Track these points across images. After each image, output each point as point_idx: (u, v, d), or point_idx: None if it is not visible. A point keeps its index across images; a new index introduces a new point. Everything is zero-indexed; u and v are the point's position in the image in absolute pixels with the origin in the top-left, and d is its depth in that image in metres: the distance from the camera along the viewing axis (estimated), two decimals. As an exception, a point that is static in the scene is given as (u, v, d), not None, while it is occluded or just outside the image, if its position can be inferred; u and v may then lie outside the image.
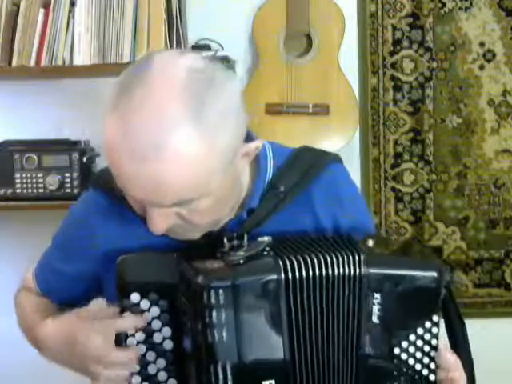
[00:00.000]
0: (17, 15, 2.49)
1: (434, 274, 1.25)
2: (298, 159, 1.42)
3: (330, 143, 2.63)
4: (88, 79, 2.67)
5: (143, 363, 1.27)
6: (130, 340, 1.26)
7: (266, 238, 1.26)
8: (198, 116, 1.12)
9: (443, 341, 1.30)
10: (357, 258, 1.24)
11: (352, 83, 2.70)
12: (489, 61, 2.81)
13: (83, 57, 2.46)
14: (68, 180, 2.51)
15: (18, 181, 2.52)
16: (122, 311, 1.26)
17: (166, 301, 1.26)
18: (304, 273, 1.22)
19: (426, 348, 1.26)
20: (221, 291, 1.16)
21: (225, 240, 1.27)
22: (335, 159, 1.48)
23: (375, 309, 1.24)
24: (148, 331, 1.26)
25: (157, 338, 1.27)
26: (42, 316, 1.46)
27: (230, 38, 2.71)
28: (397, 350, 1.26)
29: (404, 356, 1.26)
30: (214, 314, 1.17)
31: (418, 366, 1.27)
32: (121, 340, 1.27)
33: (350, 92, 2.69)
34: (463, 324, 1.37)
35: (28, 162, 2.51)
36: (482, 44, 2.80)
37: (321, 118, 2.66)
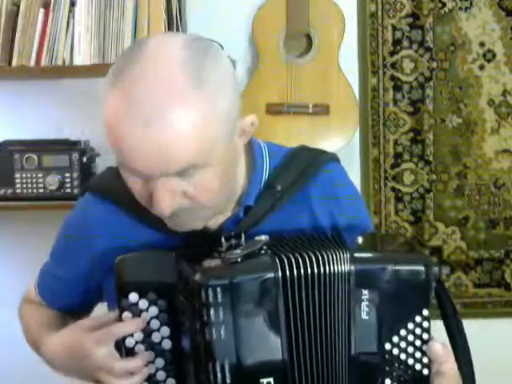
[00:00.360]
0: (17, 15, 2.49)
1: (421, 267, 1.26)
2: (295, 158, 1.43)
3: (330, 143, 2.63)
4: (88, 79, 2.66)
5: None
6: (128, 340, 1.26)
7: (264, 237, 1.27)
8: (198, 82, 1.14)
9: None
10: (343, 255, 1.24)
11: (352, 83, 2.70)
12: (489, 61, 2.81)
13: (83, 57, 2.46)
14: (68, 180, 2.51)
15: (17, 181, 2.52)
16: (121, 311, 1.26)
17: (164, 300, 1.26)
18: (302, 271, 1.22)
19: (418, 342, 1.27)
20: (219, 289, 1.17)
21: (222, 239, 1.28)
22: (332, 158, 1.48)
23: (364, 305, 1.24)
24: (146, 331, 1.26)
25: (155, 337, 1.27)
26: (45, 330, 1.48)
27: (230, 38, 2.70)
28: (388, 346, 1.26)
29: (396, 351, 1.26)
30: (212, 312, 1.17)
31: (411, 361, 1.27)
32: (120, 343, 1.28)
33: (350, 92, 2.69)
34: (457, 313, 1.37)
35: (28, 162, 2.52)
36: (481, 44, 2.80)
37: (321, 117, 2.66)
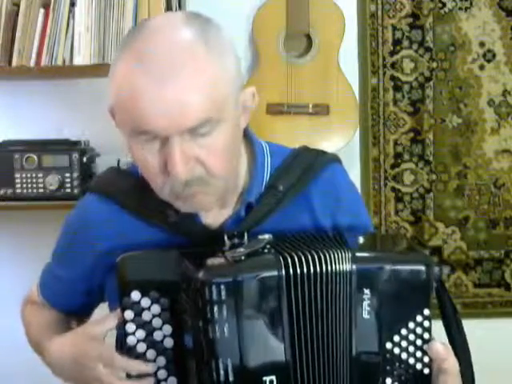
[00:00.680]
0: (17, 15, 2.48)
1: (422, 267, 1.26)
2: (297, 159, 1.44)
3: (330, 143, 2.63)
4: (88, 79, 2.67)
5: (143, 361, 1.27)
6: (130, 339, 1.27)
7: (267, 236, 1.27)
8: (205, 40, 1.21)
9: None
10: (345, 254, 1.24)
11: (352, 83, 2.70)
12: (489, 61, 2.81)
13: (83, 57, 2.46)
14: (68, 180, 2.51)
15: (17, 181, 2.51)
16: (123, 310, 1.26)
17: (166, 299, 1.26)
18: (305, 269, 1.22)
19: (419, 342, 1.27)
20: (222, 287, 1.17)
21: (225, 238, 1.28)
22: (334, 159, 1.49)
23: (365, 304, 1.25)
24: (148, 329, 1.26)
25: (157, 336, 1.27)
26: (48, 332, 1.48)
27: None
28: (389, 345, 1.26)
29: (397, 350, 1.27)
30: (216, 309, 1.17)
31: (412, 360, 1.27)
32: (122, 341, 1.28)
33: (350, 92, 2.69)
34: (457, 313, 1.37)
35: (28, 162, 2.51)
36: (482, 44, 2.80)
37: (321, 117, 2.66)
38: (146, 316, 1.26)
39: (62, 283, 1.51)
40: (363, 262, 1.25)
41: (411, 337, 1.27)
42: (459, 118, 2.83)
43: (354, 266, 1.24)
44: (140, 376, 1.27)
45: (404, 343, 1.27)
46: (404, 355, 1.27)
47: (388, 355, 1.26)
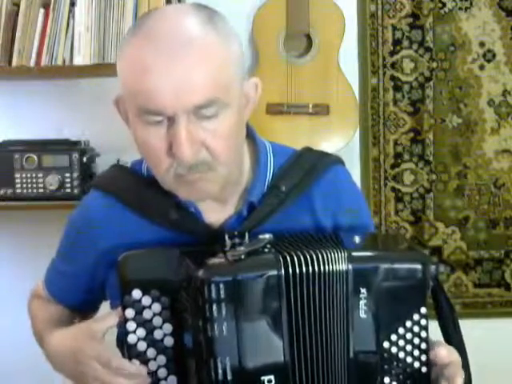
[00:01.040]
0: (17, 15, 2.49)
1: (418, 266, 1.27)
2: (301, 160, 1.45)
3: (330, 143, 2.63)
4: (88, 79, 2.67)
5: (143, 360, 1.27)
6: (130, 337, 1.27)
7: (268, 236, 1.27)
8: (212, 23, 1.23)
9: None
10: (341, 254, 1.25)
11: (352, 83, 2.70)
12: (489, 61, 2.81)
13: (83, 57, 2.46)
14: (68, 180, 2.51)
15: (17, 181, 2.51)
16: (124, 308, 1.26)
17: (167, 297, 1.26)
18: (304, 269, 1.22)
19: (416, 340, 1.27)
20: (222, 285, 1.17)
21: (226, 237, 1.28)
22: (337, 161, 1.50)
23: (362, 304, 1.25)
24: (149, 328, 1.26)
25: (157, 334, 1.27)
26: (51, 326, 1.49)
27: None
28: (386, 344, 1.27)
29: (394, 349, 1.27)
30: (215, 308, 1.17)
31: (409, 359, 1.28)
32: (122, 340, 1.28)
33: (349, 92, 2.69)
34: (453, 311, 1.37)
35: (28, 162, 2.51)
36: (482, 44, 2.80)
37: (321, 118, 2.66)
38: (146, 314, 1.26)
39: (65, 279, 1.52)
40: (359, 262, 1.26)
41: (408, 335, 1.27)
42: (459, 118, 2.83)
43: (350, 266, 1.24)
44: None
45: (401, 342, 1.27)
46: (402, 354, 1.27)
47: (386, 354, 1.27)
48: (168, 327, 1.27)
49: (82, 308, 1.54)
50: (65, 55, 2.46)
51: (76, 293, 1.51)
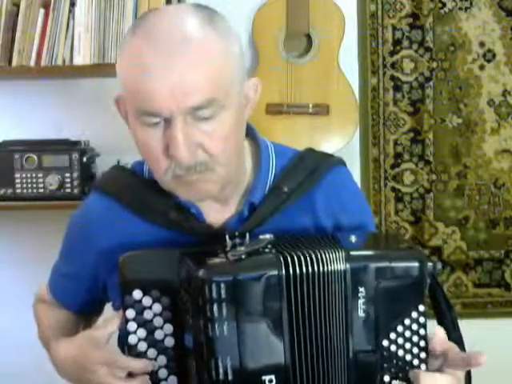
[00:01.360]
0: (17, 15, 2.49)
1: (415, 264, 1.27)
2: (303, 161, 1.45)
3: (330, 143, 2.63)
4: (88, 79, 2.67)
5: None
6: (131, 338, 1.27)
7: (268, 236, 1.27)
8: (212, 23, 1.23)
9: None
10: (339, 254, 1.25)
11: (352, 83, 2.70)
12: (489, 61, 2.81)
13: (83, 57, 2.46)
14: (68, 180, 2.51)
15: (17, 181, 2.52)
16: (125, 308, 1.26)
17: (168, 298, 1.26)
18: (304, 269, 1.22)
19: (415, 338, 1.27)
20: (222, 285, 1.17)
21: (227, 237, 1.27)
22: (339, 162, 1.50)
23: (360, 303, 1.25)
24: (149, 328, 1.27)
25: (158, 335, 1.27)
26: (56, 332, 1.50)
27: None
28: (386, 342, 1.27)
29: (393, 348, 1.27)
30: (215, 308, 1.17)
31: (408, 357, 1.27)
32: (123, 340, 1.28)
33: (350, 92, 2.69)
34: (452, 309, 1.37)
35: (28, 162, 2.51)
36: (482, 44, 2.80)
37: (321, 117, 2.66)
38: (147, 315, 1.26)
39: (67, 281, 1.52)
40: (357, 261, 1.26)
41: (407, 333, 1.27)
42: (459, 118, 2.83)
43: (348, 265, 1.24)
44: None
45: (400, 340, 1.27)
46: (401, 352, 1.27)
47: (385, 352, 1.27)
48: (168, 327, 1.27)
49: (85, 310, 1.54)
50: (65, 55, 2.46)
51: (78, 294, 1.51)
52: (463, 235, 2.89)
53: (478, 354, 1.23)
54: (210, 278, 1.17)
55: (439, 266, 1.32)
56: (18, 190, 2.52)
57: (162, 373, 1.28)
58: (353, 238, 1.33)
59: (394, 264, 1.26)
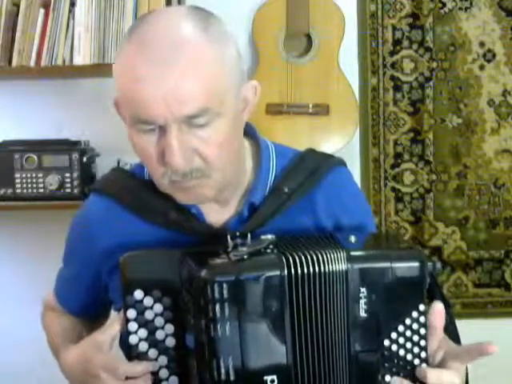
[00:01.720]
0: (17, 15, 2.49)
1: (416, 263, 1.27)
2: (303, 162, 1.45)
3: (329, 143, 2.63)
4: (88, 79, 2.67)
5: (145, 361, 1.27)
6: (132, 338, 1.27)
7: (270, 236, 1.27)
8: (205, 28, 1.22)
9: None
10: (340, 254, 1.25)
11: (352, 83, 2.70)
12: (489, 61, 2.81)
13: (83, 57, 2.46)
14: (68, 180, 2.51)
15: (17, 181, 2.52)
16: (126, 309, 1.26)
17: (169, 298, 1.26)
18: (306, 269, 1.22)
19: (416, 338, 1.27)
20: (224, 285, 1.17)
21: (228, 238, 1.27)
22: (339, 162, 1.50)
23: (362, 303, 1.25)
24: (151, 328, 1.26)
25: (159, 335, 1.27)
26: (64, 340, 1.49)
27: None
28: (387, 342, 1.27)
29: (394, 347, 1.27)
30: (218, 308, 1.17)
31: (409, 356, 1.27)
32: (124, 340, 1.28)
33: (350, 92, 2.69)
34: (449, 306, 1.37)
35: (28, 162, 2.51)
36: (482, 44, 2.80)
37: (321, 117, 2.66)
38: (148, 315, 1.26)
39: (71, 284, 1.52)
40: (358, 261, 1.26)
41: (408, 333, 1.27)
42: (459, 118, 2.83)
43: (350, 266, 1.24)
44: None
45: (401, 339, 1.27)
46: (402, 351, 1.27)
47: (386, 352, 1.27)
48: (170, 328, 1.27)
49: (88, 313, 1.54)
50: (65, 55, 2.46)
51: (80, 295, 1.51)
52: (463, 235, 2.89)
53: (488, 344, 1.23)
54: (213, 278, 1.17)
55: (439, 265, 1.32)
56: (18, 190, 2.52)
57: (163, 373, 1.28)
58: (353, 239, 1.33)
59: (394, 264, 1.26)
